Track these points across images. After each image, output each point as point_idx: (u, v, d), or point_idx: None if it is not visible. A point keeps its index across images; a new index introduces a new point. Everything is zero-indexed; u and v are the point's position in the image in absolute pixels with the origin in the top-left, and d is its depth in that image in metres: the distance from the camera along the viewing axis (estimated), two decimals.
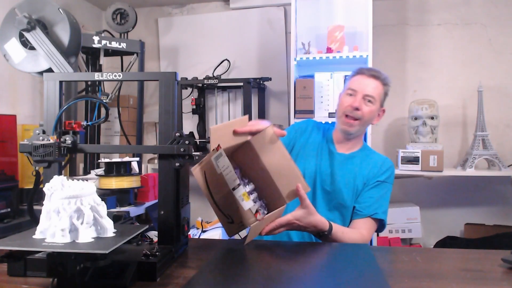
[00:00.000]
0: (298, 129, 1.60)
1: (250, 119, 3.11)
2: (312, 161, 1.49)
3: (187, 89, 3.15)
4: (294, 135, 1.57)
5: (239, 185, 1.02)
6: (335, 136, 1.54)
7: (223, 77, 3.06)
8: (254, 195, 1.16)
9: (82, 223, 0.84)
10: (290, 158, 1.16)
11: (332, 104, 2.59)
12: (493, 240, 2.51)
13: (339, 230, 1.28)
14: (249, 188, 1.15)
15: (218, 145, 1.03)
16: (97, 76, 1.07)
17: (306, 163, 1.49)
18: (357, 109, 1.41)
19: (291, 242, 1.38)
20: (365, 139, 2.50)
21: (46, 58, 1.39)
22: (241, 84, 2.90)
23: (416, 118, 2.62)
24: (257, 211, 1.03)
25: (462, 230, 2.81)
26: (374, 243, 2.52)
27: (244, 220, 1.06)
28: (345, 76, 2.59)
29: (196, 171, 1.11)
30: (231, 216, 1.10)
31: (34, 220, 1.01)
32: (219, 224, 2.71)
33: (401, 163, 2.53)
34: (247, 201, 1.02)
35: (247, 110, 2.87)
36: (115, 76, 1.06)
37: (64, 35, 1.45)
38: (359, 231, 1.37)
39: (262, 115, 3.11)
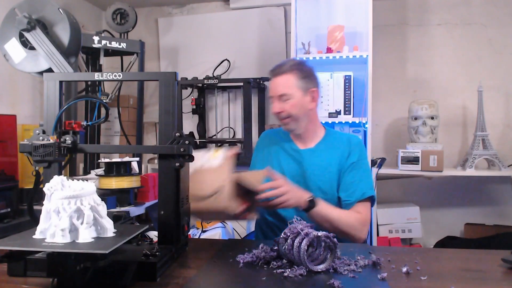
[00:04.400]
0: (256, 149, 1.67)
1: (250, 119, 3.09)
2: (276, 168, 1.51)
3: (187, 89, 3.15)
4: (256, 156, 1.65)
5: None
6: (291, 134, 1.56)
7: (223, 77, 3.06)
8: None
9: (82, 223, 0.84)
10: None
11: (332, 104, 2.59)
12: (493, 240, 2.51)
13: (329, 209, 1.31)
14: None
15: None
16: (97, 76, 1.07)
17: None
18: (279, 112, 1.44)
19: None
20: (365, 139, 2.50)
21: (46, 58, 1.39)
22: (241, 84, 2.90)
23: (416, 118, 2.62)
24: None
25: (462, 230, 2.81)
26: (374, 243, 2.52)
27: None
28: (345, 76, 2.59)
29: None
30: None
31: (34, 220, 1.01)
32: (219, 224, 2.71)
33: (401, 163, 2.53)
34: None
35: (247, 110, 2.87)
36: (115, 76, 1.06)
37: (64, 35, 1.45)
38: (354, 212, 1.38)
39: (262, 115, 3.11)
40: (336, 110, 2.57)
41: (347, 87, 2.58)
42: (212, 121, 3.23)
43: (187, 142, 1.01)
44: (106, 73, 1.06)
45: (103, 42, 2.58)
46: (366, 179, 1.44)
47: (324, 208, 1.29)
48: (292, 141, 1.54)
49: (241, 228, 2.95)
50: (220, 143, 3.12)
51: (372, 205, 1.47)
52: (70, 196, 0.83)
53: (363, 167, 1.46)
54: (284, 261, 0.97)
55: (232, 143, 3.10)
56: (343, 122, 2.55)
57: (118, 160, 2.08)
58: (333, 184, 1.44)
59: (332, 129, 1.60)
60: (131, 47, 2.73)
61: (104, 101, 2.15)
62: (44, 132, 1.03)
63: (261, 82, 3.00)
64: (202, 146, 3.16)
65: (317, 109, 1.55)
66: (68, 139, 1.03)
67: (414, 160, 2.50)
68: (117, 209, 2.06)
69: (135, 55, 2.77)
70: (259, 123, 3.10)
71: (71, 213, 0.83)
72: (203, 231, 2.63)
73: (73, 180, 0.89)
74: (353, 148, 1.47)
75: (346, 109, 2.58)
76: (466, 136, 2.88)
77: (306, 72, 1.48)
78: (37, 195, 1.03)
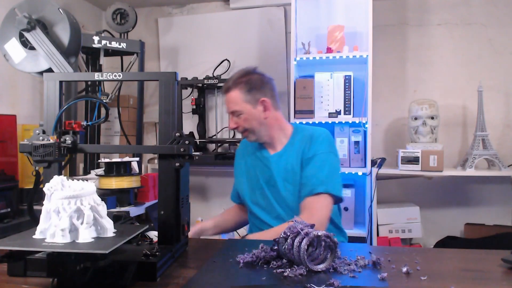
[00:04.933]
0: (237, 157, 1.67)
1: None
2: (253, 177, 1.53)
3: (187, 89, 3.15)
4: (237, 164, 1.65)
5: None
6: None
7: (223, 77, 3.06)
8: None
9: (82, 223, 0.84)
10: None
11: (332, 104, 2.59)
12: (493, 240, 2.50)
13: (262, 236, 1.33)
14: None
15: None
16: (97, 76, 1.07)
17: (250, 182, 1.54)
18: (235, 128, 1.47)
19: None
20: (365, 139, 2.50)
21: (46, 58, 1.39)
22: None
23: (416, 118, 2.62)
24: None
25: (462, 230, 2.81)
26: (374, 243, 2.52)
27: None
28: (345, 76, 2.59)
29: None
30: None
31: (34, 220, 1.01)
32: None
33: (401, 163, 2.53)
34: None
35: None
36: (115, 76, 1.06)
37: (64, 35, 1.45)
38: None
39: None
40: (336, 110, 2.57)
41: (347, 87, 2.58)
42: (212, 121, 3.23)
43: (187, 142, 1.01)
44: (106, 73, 1.06)
45: (103, 42, 2.58)
46: (319, 174, 1.39)
47: (257, 238, 1.30)
48: (264, 147, 1.54)
49: (241, 228, 2.95)
50: (220, 143, 3.12)
51: (336, 201, 1.43)
52: (70, 196, 0.83)
53: (320, 162, 1.41)
54: (284, 260, 0.97)
55: (232, 143, 3.10)
56: (343, 122, 2.55)
57: (118, 160, 2.08)
58: (297, 186, 1.43)
59: (302, 126, 1.57)
60: (131, 47, 2.73)
61: (104, 101, 2.15)
62: (44, 132, 1.03)
63: None
64: (202, 146, 3.16)
65: (279, 113, 1.53)
66: (68, 139, 1.03)
67: (414, 160, 2.50)
68: (117, 209, 2.06)
69: (135, 55, 2.77)
70: None
71: (71, 213, 0.83)
72: None
73: (73, 180, 0.89)
74: (313, 142, 1.44)
75: (346, 109, 2.58)
76: (466, 136, 2.88)
77: (252, 84, 1.46)
78: (37, 195, 1.03)
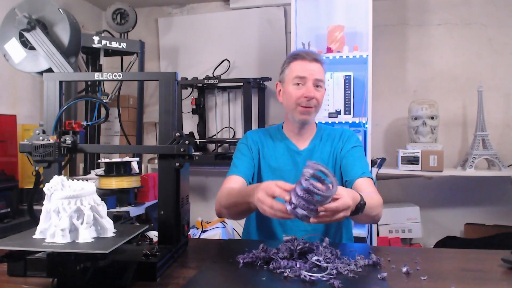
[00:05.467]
0: (246, 146, 1.51)
1: (250, 119, 3.09)
2: (274, 165, 1.47)
3: (187, 89, 3.15)
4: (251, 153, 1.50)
5: None
6: (287, 130, 1.51)
7: (223, 77, 3.06)
8: None
9: (82, 223, 0.84)
10: None
11: (332, 104, 2.59)
12: (493, 240, 2.50)
13: (367, 198, 1.12)
14: None
15: None
16: (97, 76, 1.07)
17: (273, 171, 1.46)
18: (312, 98, 1.37)
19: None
20: (365, 139, 2.50)
21: (46, 58, 1.39)
22: (241, 84, 2.90)
23: (416, 118, 2.62)
24: None
25: (462, 230, 2.81)
26: (374, 243, 2.52)
27: None
28: (345, 76, 2.58)
29: None
30: None
31: (34, 220, 1.01)
32: (219, 224, 2.71)
33: (401, 163, 2.53)
34: None
35: (247, 110, 2.87)
36: (115, 76, 1.06)
37: (64, 35, 1.45)
38: (372, 193, 1.27)
39: (262, 115, 3.11)
40: (336, 110, 2.57)
41: (347, 87, 2.58)
42: (212, 121, 3.23)
43: (187, 142, 1.01)
44: (106, 73, 1.06)
45: (103, 42, 2.58)
46: (364, 163, 1.42)
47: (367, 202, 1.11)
48: (288, 139, 1.49)
49: (241, 228, 2.94)
50: (220, 143, 3.12)
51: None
52: (70, 196, 0.83)
53: (358, 154, 1.44)
54: (284, 261, 0.97)
55: (232, 143, 3.10)
56: (343, 122, 2.55)
57: (118, 160, 2.08)
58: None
59: (323, 124, 1.58)
60: (131, 47, 2.73)
61: (104, 101, 2.15)
62: (44, 132, 1.03)
63: (261, 82, 3.00)
64: (202, 146, 3.16)
65: None
66: (68, 139, 1.03)
67: (414, 160, 2.50)
68: (117, 209, 2.06)
69: (135, 55, 2.77)
70: (259, 123, 3.10)
71: (71, 213, 0.83)
72: (203, 231, 2.63)
73: (73, 180, 0.89)
74: (347, 140, 1.46)
75: (346, 109, 2.58)
76: (466, 136, 2.88)
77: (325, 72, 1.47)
78: (37, 195, 1.03)
